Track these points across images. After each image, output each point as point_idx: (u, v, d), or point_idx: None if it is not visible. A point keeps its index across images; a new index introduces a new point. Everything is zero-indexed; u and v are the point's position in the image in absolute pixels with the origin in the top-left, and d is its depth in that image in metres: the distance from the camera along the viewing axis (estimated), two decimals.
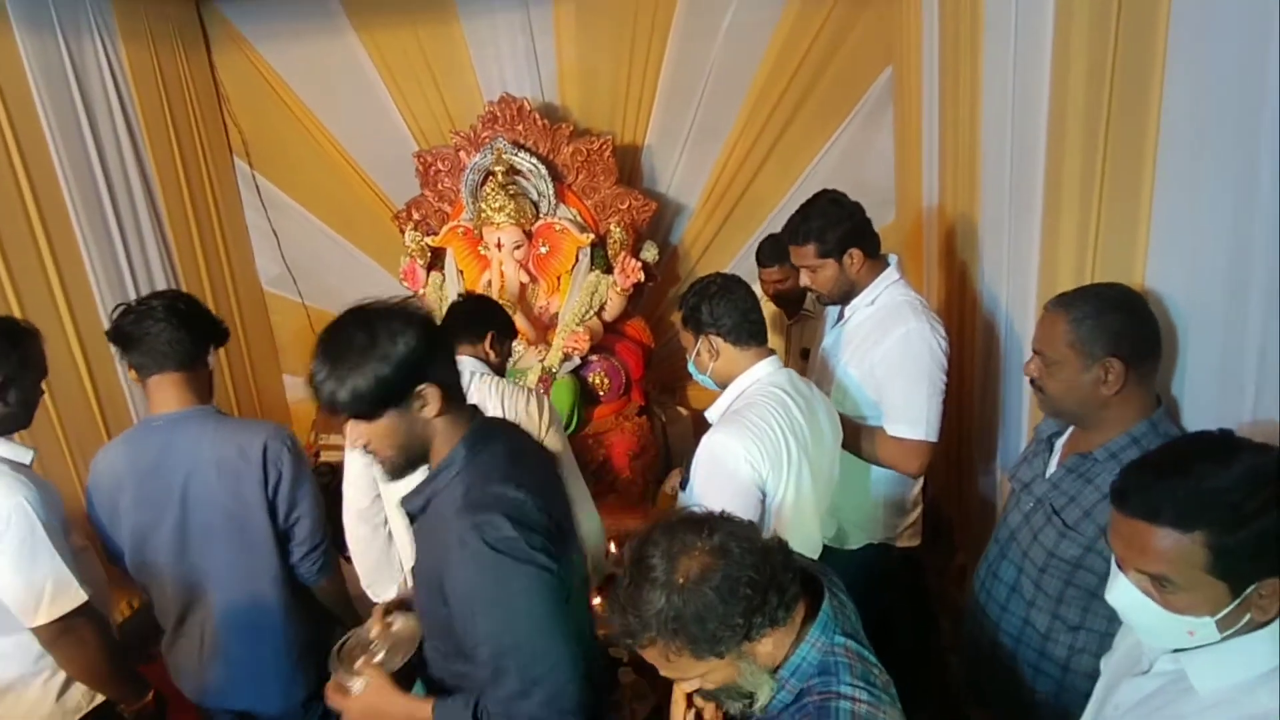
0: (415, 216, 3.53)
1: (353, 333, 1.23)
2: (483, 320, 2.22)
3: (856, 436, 2.08)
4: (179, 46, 3.53)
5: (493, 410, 2.02)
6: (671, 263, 3.87)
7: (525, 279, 3.29)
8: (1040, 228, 2.06)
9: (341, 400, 1.23)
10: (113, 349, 1.84)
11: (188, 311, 1.85)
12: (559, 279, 3.33)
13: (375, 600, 2.10)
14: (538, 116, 3.33)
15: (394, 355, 1.22)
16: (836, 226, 2.10)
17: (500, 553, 1.22)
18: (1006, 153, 2.25)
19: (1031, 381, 1.55)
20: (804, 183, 3.65)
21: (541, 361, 3.21)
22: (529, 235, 3.27)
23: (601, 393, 3.30)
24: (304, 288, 4.01)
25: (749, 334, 1.79)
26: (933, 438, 2.03)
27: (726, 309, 1.78)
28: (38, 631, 1.72)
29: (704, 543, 1.11)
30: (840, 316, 2.24)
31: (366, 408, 1.24)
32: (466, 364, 2.10)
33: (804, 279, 2.20)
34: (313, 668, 1.98)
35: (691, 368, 1.90)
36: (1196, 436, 1.10)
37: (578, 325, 3.27)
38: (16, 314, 2.51)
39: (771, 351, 1.84)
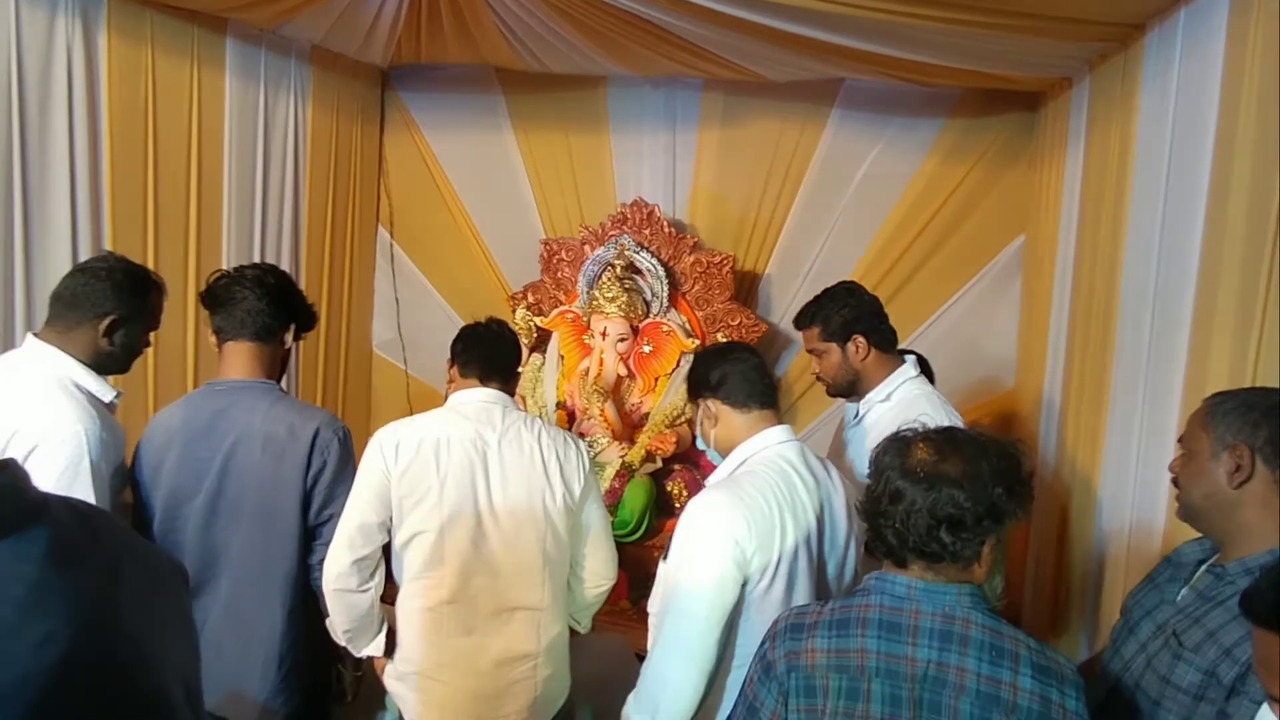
0: (530, 299, 3.64)
1: None
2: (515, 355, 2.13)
3: None
4: (358, 120, 3.89)
5: (529, 444, 1.93)
6: None
7: (624, 372, 3.29)
8: (1179, 409, 1.95)
9: None
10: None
11: (276, 286, 1.91)
12: (657, 380, 3.31)
13: (357, 654, 1.94)
14: (665, 224, 3.44)
15: None
16: (842, 311, 2.06)
17: None
18: (1145, 335, 2.18)
19: (1173, 482, 1.39)
20: (917, 338, 3.58)
21: (623, 457, 3.13)
22: (635, 331, 3.30)
23: (677, 504, 3.17)
24: (410, 356, 4.12)
25: (749, 395, 1.65)
26: None
27: (726, 369, 1.66)
28: None
29: None
30: (856, 415, 2.14)
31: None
32: (487, 394, 1.97)
33: (812, 366, 2.16)
34: (298, 691, 1.86)
35: (699, 442, 1.77)
36: None
37: (666, 427, 3.20)
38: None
39: (781, 421, 1.69)
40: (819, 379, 2.16)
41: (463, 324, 2.13)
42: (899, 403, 2.01)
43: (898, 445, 1.25)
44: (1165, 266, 2.10)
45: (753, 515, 1.49)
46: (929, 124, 3.53)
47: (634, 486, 3.06)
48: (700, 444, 1.78)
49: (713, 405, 1.69)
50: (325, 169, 3.73)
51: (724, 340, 1.82)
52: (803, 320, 2.14)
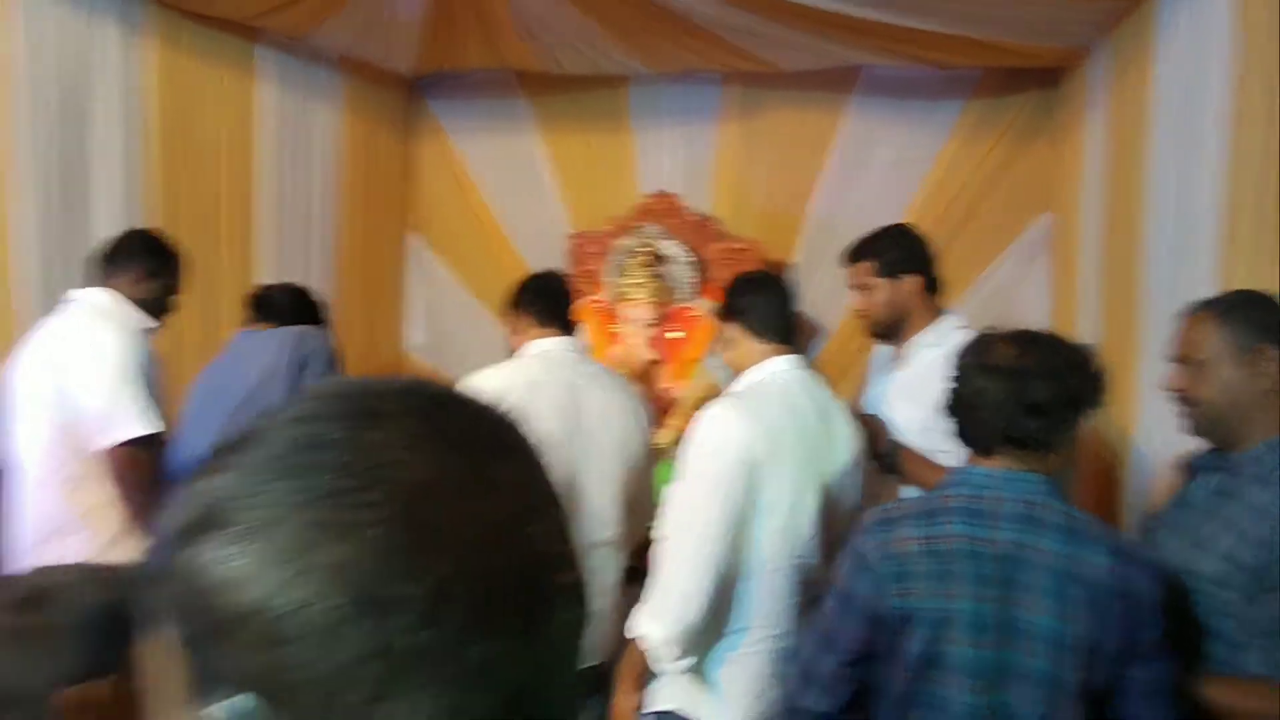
0: None
1: None
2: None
3: (924, 471, 1.88)
4: (387, 127, 4.00)
5: (612, 389, 2.05)
6: None
7: (653, 357, 3.32)
8: None
9: None
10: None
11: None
12: (687, 365, 3.34)
13: None
14: (689, 213, 3.49)
15: None
16: (900, 248, 2.05)
17: None
18: (1171, 302, 2.17)
19: (1179, 399, 1.40)
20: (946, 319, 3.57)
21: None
22: (664, 318, 3.33)
23: None
24: (443, 355, 4.20)
25: (768, 327, 1.74)
26: None
27: (753, 299, 1.76)
28: (111, 452, 1.87)
29: None
30: (894, 359, 2.12)
31: None
32: (571, 341, 2.12)
33: (854, 302, 2.12)
34: None
35: (709, 359, 1.86)
36: None
37: (697, 411, 3.22)
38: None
39: (795, 352, 1.77)
40: (860, 316, 2.14)
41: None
42: (956, 347, 2.00)
43: (979, 345, 1.35)
44: (1184, 231, 2.09)
45: (758, 422, 1.58)
46: (949, 106, 3.56)
47: (664, 468, 3.07)
48: (709, 364, 1.88)
49: (733, 329, 1.77)
50: (355, 176, 3.83)
51: (763, 271, 1.92)
52: (859, 254, 2.10)
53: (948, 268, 3.60)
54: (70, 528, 2.07)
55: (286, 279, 3.48)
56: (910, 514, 1.33)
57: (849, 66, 3.49)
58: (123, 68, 2.74)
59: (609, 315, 3.44)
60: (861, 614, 1.30)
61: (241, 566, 0.38)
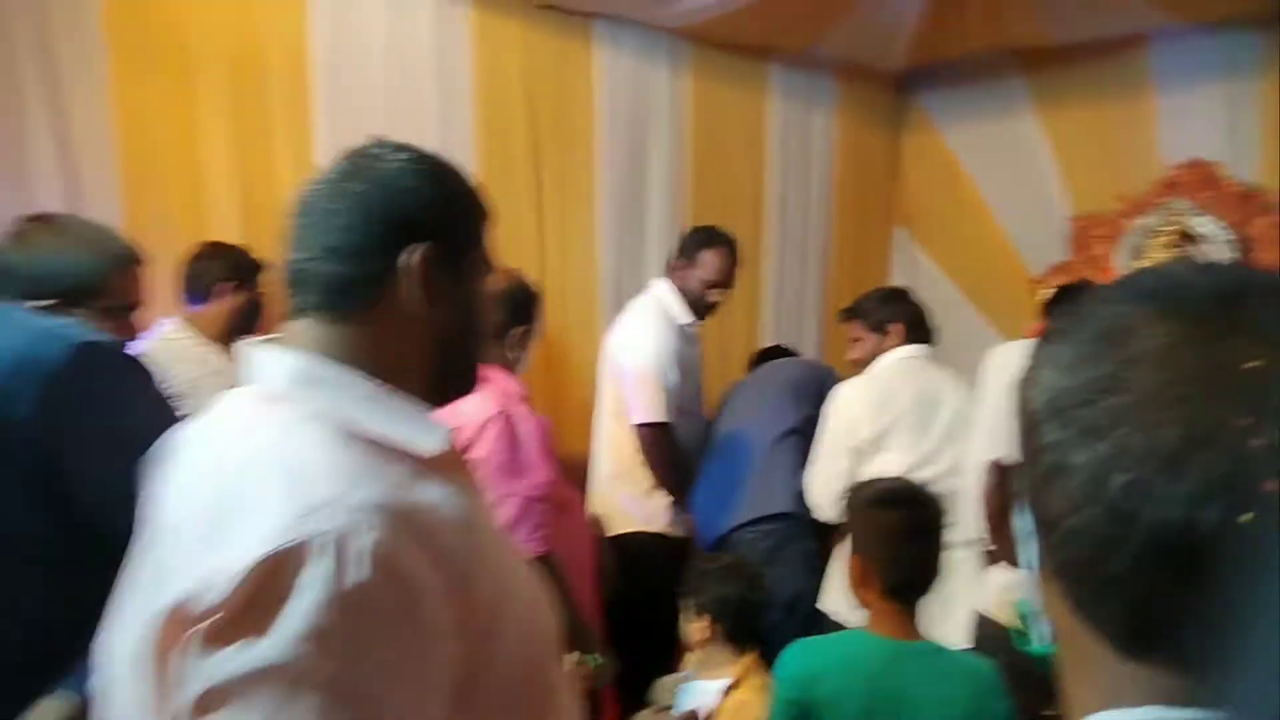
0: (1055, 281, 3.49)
1: None
2: None
3: None
4: (877, 125, 4.16)
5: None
6: None
7: None
8: None
9: None
10: None
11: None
12: None
13: None
14: (1232, 184, 3.03)
15: None
16: None
17: None
18: None
19: None
20: None
21: None
22: None
23: None
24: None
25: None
26: None
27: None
28: (635, 428, 2.50)
29: None
30: None
31: None
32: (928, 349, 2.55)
33: None
34: None
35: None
36: None
37: None
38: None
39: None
40: None
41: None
42: None
43: None
44: None
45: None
46: None
47: None
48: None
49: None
50: (846, 175, 4.04)
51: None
52: None
53: None
54: (623, 476, 2.61)
55: (786, 279, 3.87)
56: None
57: None
58: (669, 97, 3.32)
59: None
60: None
61: (1091, 458, 0.40)
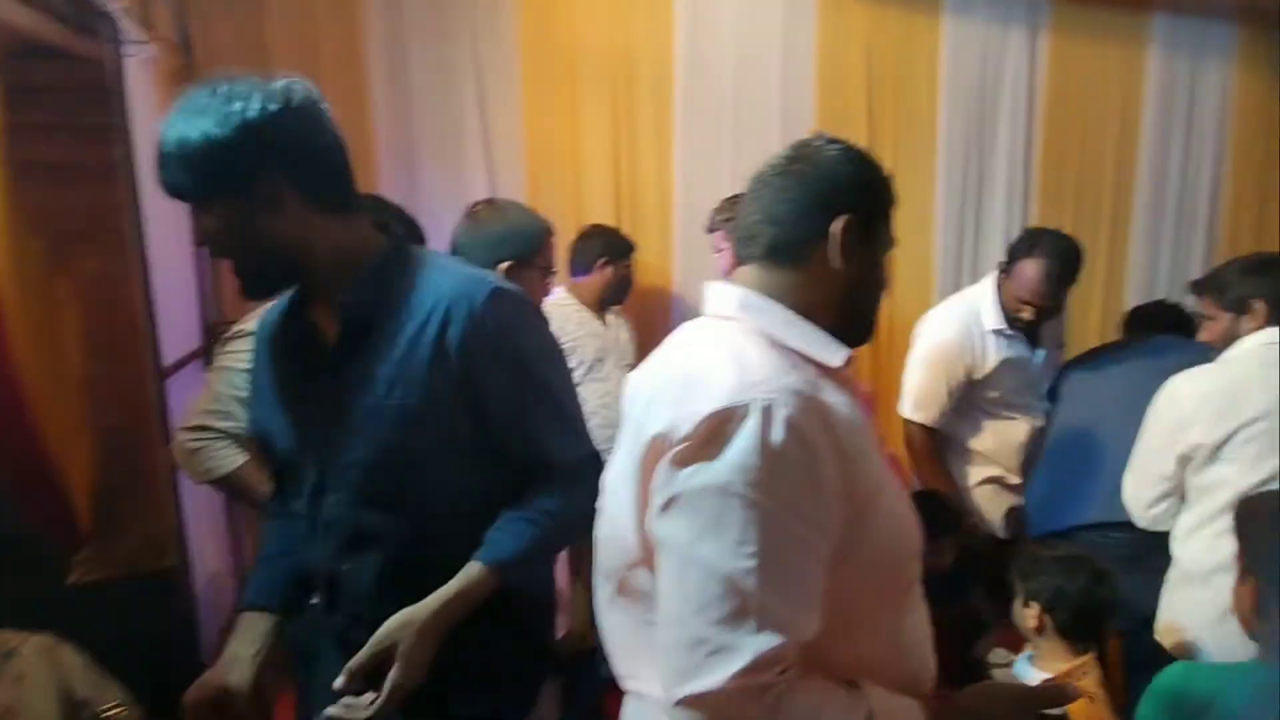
0: None
1: None
2: None
3: None
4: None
5: None
6: None
7: None
8: None
9: None
10: None
11: None
12: None
13: None
14: None
15: None
16: None
17: None
18: None
19: None
20: None
21: None
22: None
23: None
24: None
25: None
26: None
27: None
28: (904, 421, 2.48)
29: None
30: None
31: None
32: None
33: None
34: None
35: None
36: None
37: None
38: None
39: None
40: None
41: None
42: None
43: None
44: None
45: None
46: None
47: None
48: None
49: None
50: (1246, 141, 3.47)
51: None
52: None
53: None
54: None
55: (1160, 265, 3.44)
56: None
57: None
58: (1022, 63, 3.18)
59: None
60: None
61: None
